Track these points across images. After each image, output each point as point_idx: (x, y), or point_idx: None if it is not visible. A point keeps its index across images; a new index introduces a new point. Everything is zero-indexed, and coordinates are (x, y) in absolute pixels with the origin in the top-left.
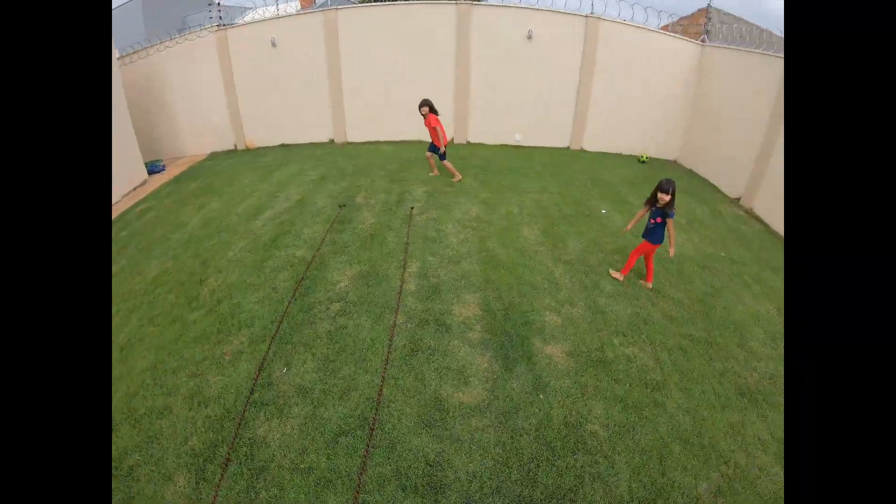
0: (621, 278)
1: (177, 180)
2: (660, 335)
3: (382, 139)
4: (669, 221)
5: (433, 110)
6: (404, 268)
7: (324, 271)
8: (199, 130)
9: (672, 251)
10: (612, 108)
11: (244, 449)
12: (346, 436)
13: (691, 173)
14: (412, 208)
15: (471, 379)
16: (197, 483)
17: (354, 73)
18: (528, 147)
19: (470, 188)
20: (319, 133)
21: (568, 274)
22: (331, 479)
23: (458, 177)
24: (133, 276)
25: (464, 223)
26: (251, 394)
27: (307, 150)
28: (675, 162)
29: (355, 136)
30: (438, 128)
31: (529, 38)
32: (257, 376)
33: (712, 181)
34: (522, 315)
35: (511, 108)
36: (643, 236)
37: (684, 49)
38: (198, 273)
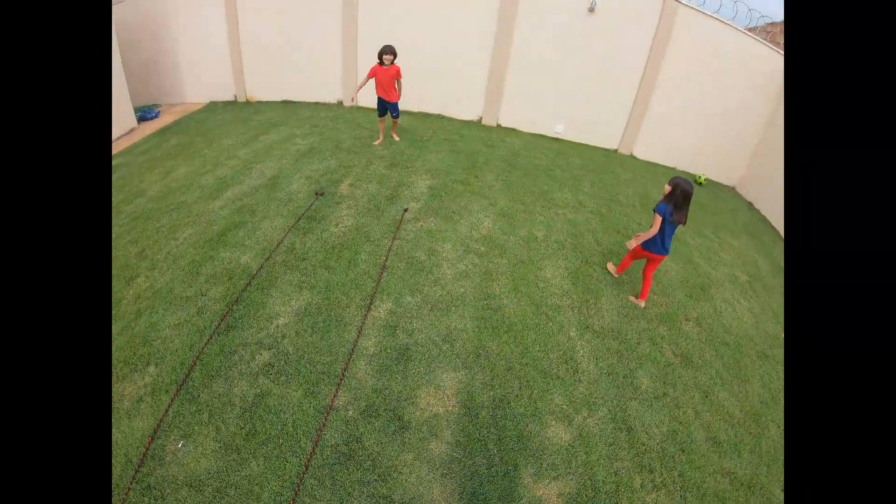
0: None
1: (161, 132)
2: (697, 472)
3: (401, 108)
4: (657, 219)
5: (395, 57)
6: (368, 309)
7: (265, 294)
8: (200, 77)
9: (629, 243)
10: (675, 113)
11: None
12: None
13: (751, 207)
14: (405, 210)
15: None
16: None
17: (375, 28)
18: (569, 142)
19: (489, 189)
20: (327, 93)
21: (595, 353)
22: None
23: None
24: None
25: (468, 245)
26: (136, 471)
27: (309, 110)
28: (733, 189)
29: (368, 100)
30: (401, 80)
31: (592, 10)
32: (149, 444)
33: (774, 223)
34: (516, 421)
35: (556, 92)
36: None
37: (769, 58)
38: (131, 267)
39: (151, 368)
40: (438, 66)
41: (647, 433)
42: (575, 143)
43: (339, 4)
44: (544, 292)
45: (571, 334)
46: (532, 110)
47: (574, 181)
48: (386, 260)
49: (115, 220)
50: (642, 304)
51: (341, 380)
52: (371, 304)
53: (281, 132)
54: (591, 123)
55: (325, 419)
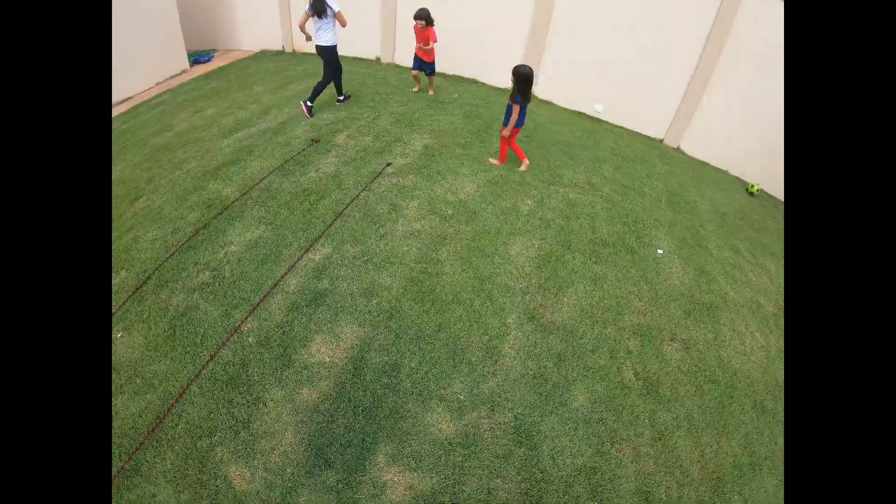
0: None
1: (206, 76)
2: None
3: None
4: (515, 106)
5: (430, 21)
6: (305, 251)
7: (228, 224)
8: (253, 27)
9: (505, 132)
10: (734, 109)
11: None
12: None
13: None
14: (387, 165)
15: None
16: None
17: None
18: (608, 124)
19: (489, 156)
20: (367, 49)
21: (528, 349)
22: None
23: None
24: None
25: (436, 205)
26: None
27: (347, 65)
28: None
29: (402, 58)
30: (432, 44)
31: None
32: None
33: None
34: (398, 395)
35: (599, 69)
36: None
37: None
38: (140, 188)
39: (123, 273)
40: (476, 29)
41: (554, 459)
42: (614, 125)
43: None
44: (498, 269)
45: (508, 321)
46: (571, 85)
47: (595, 163)
48: (345, 209)
49: (140, 151)
50: (497, 163)
51: (254, 309)
52: (310, 247)
53: (309, 83)
54: (636, 107)
55: (227, 339)
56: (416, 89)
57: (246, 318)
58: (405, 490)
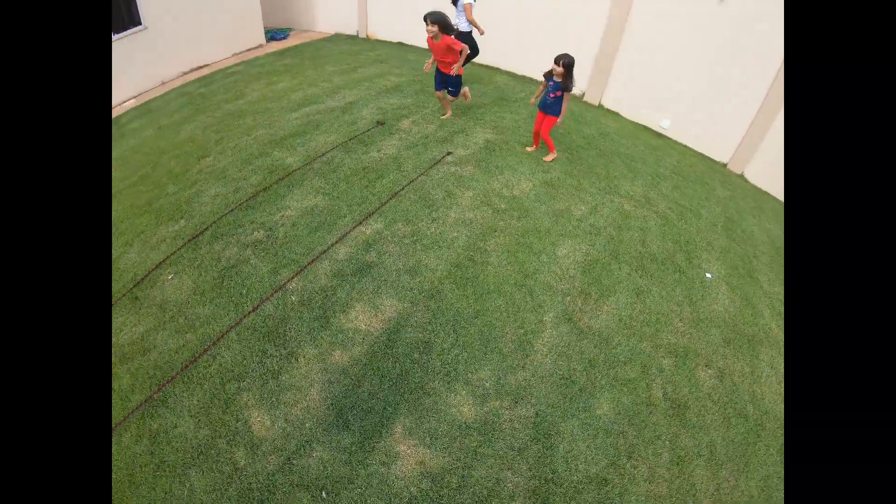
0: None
1: (281, 52)
2: None
3: (504, 67)
4: (566, 95)
5: (446, 28)
6: (358, 224)
7: (288, 189)
8: (330, 10)
9: (559, 121)
10: None
11: None
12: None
13: None
14: (448, 154)
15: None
16: None
17: None
18: (672, 141)
19: (546, 160)
20: None
21: (561, 349)
22: None
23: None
24: (169, 135)
25: (490, 198)
26: (137, 284)
27: (417, 55)
28: None
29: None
30: (456, 48)
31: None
32: (151, 271)
33: None
34: (426, 372)
35: (667, 84)
36: (545, 110)
37: None
38: (208, 148)
39: (182, 222)
40: (546, 30)
41: (568, 462)
42: (678, 143)
43: None
44: (543, 267)
45: (545, 319)
46: (639, 98)
47: (654, 178)
48: (401, 190)
49: (212, 114)
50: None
51: (301, 270)
52: (364, 220)
53: (380, 68)
54: (702, 128)
55: (271, 294)
56: (445, 115)
57: (292, 278)
58: (415, 464)
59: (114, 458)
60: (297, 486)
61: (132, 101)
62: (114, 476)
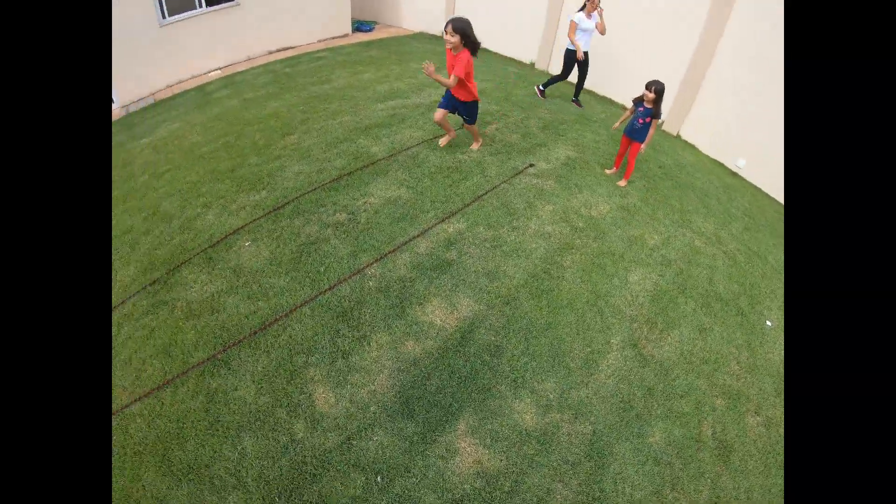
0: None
1: (367, 44)
2: None
3: (586, 86)
4: (654, 121)
5: (467, 40)
6: (441, 221)
7: (372, 178)
8: (416, 8)
9: (643, 147)
10: None
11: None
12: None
13: None
14: (531, 165)
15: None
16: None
17: None
18: (746, 182)
19: (620, 184)
20: (522, 52)
21: (623, 374)
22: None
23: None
24: (254, 108)
25: (569, 215)
26: (213, 245)
27: (500, 63)
28: None
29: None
30: (465, 68)
31: None
32: (227, 236)
33: None
34: (494, 374)
35: (748, 121)
36: (631, 136)
37: None
38: (293, 126)
39: (264, 193)
40: (632, 53)
41: (616, 484)
42: (752, 184)
43: None
44: (614, 290)
45: (612, 341)
46: (717, 133)
47: (726, 217)
48: (485, 194)
49: (298, 94)
50: (624, 184)
51: (382, 257)
52: (446, 219)
53: None
54: (776, 173)
55: (349, 276)
56: (443, 141)
57: (372, 264)
58: (473, 462)
59: (166, 409)
60: (352, 466)
61: (218, 71)
62: (162, 428)
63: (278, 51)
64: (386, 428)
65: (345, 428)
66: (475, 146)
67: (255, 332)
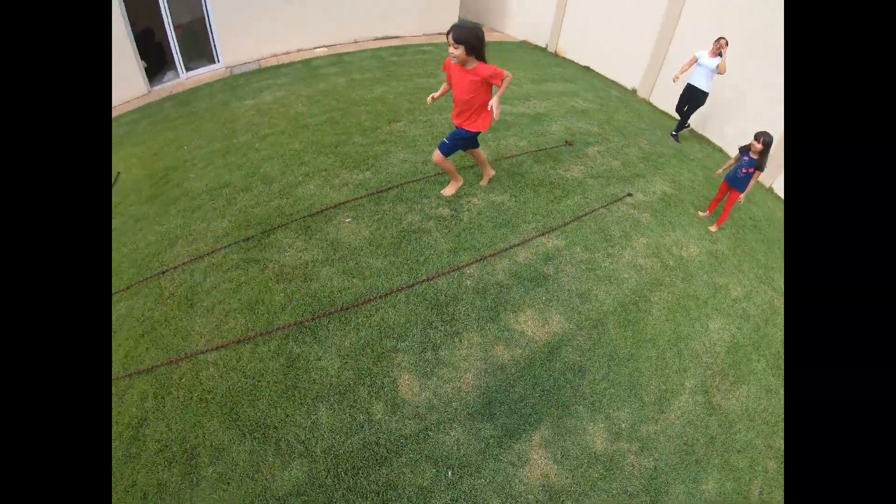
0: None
1: None
2: None
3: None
4: (757, 173)
5: (473, 50)
6: (541, 234)
7: (476, 179)
8: (522, 18)
9: (742, 197)
10: None
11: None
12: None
13: None
14: (629, 195)
15: None
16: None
17: (704, 11)
18: None
19: (712, 229)
20: (626, 76)
21: (690, 419)
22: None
23: (486, 173)
24: (360, 90)
25: (661, 252)
26: (313, 215)
27: (603, 83)
28: None
29: (660, 100)
30: (494, 80)
31: None
32: (327, 209)
33: None
34: (574, 394)
35: None
36: (732, 184)
37: None
38: (399, 114)
39: (368, 174)
40: (736, 99)
41: None
42: None
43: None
44: (695, 334)
45: (686, 383)
46: None
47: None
48: (584, 215)
49: (404, 84)
50: (714, 230)
51: (481, 259)
52: (546, 233)
53: (568, 87)
54: None
55: (448, 272)
56: (447, 191)
57: (471, 263)
58: (540, 475)
59: (242, 364)
60: (425, 456)
61: (324, 49)
62: (235, 381)
63: (384, 38)
64: (465, 426)
65: (424, 418)
66: (448, 190)
67: (347, 308)
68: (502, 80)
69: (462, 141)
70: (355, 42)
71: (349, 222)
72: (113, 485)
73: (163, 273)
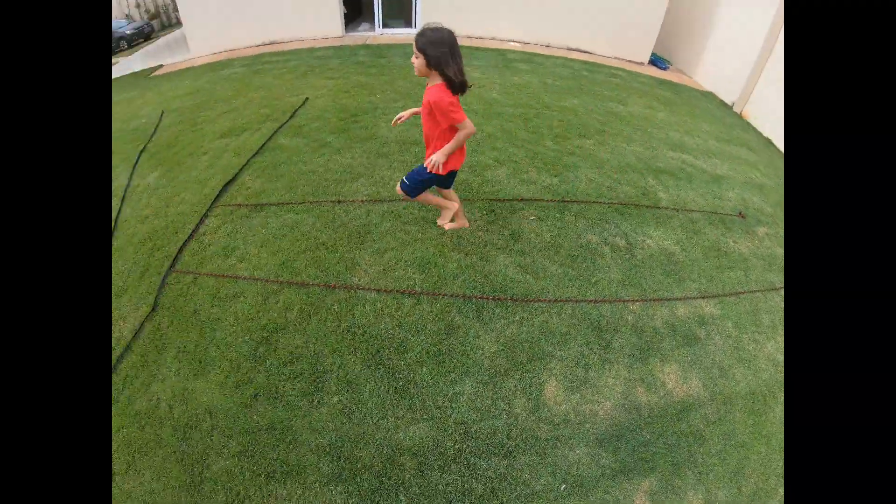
0: None
1: (660, 82)
2: None
3: None
4: None
5: (437, 65)
6: (702, 297)
7: (652, 219)
8: (714, 65)
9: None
10: None
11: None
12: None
13: None
14: (782, 287)
15: None
16: None
17: None
18: None
19: None
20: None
21: None
22: None
23: (457, 223)
24: (552, 95)
25: None
26: (500, 200)
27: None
28: None
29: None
30: (439, 115)
31: None
32: (516, 200)
33: None
34: (690, 461)
35: None
36: None
37: None
38: (589, 131)
39: (555, 179)
40: None
41: None
42: None
43: None
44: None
45: (780, 492)
46: None
47: None
48: (742, 293)
49: (594, 103)
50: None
51: (644, 300)
52: (706, 297)
53: (749, 156)
54: None
55: (613, 300)
56: (450, 223)
57: (636, 301)
58: None
59: (400, 314)
60: (547, 463)
61: (517, 44)
62: (383, 328)
63: (576, 51)
64: (589, 449)
65: (558, 428)
66: (442, 220)
67: (517, 300)
68: (452, 125)
69: (421, 182)
70: (548, 46)
71: (532, 220)
72: (226, 376)
73: (339, 202)
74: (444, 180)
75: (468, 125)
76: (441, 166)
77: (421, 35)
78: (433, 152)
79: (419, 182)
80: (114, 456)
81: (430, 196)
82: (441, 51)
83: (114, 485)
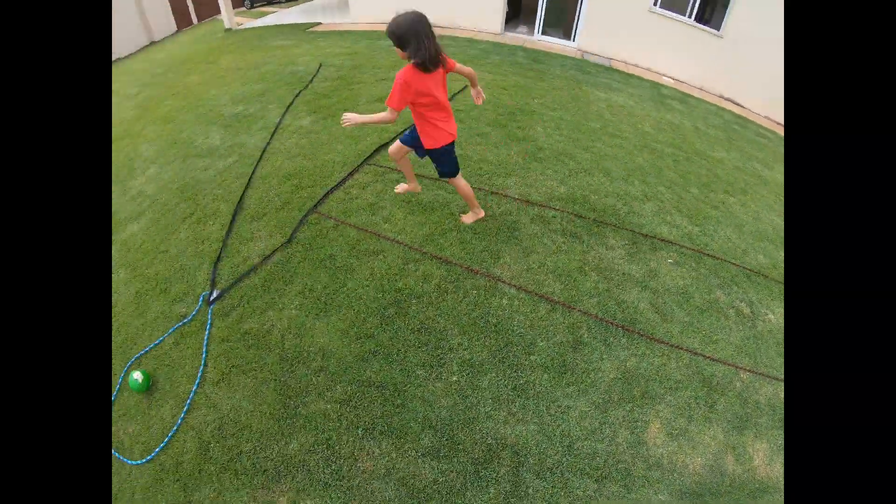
0: None
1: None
2: None
3: None
4: None
5: (401, 47)
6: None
7: (772, 297)
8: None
9: None
10: None
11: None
12: None
13: None
14: None
15: None
16: None
17: None
18: None
19: None
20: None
21: None
22: None
23: (409, 185)
24: (706, 144)
25: None
26: (640, 234)
27: None
28: None
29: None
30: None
31: None
32: (656, 237)
33: None
34: None
35: None
36: None
37: None
38: (734, 189)
39: (696, 228)
40: None
41: None
42: None
43: None
44: None
45: None
46: None
47: None
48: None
49: (744, 161)
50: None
51: (754, 372)
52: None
53: None
54: None
55: (727, 362)
56: (400, 188)
57: (747, 370)
58: None
59: (536, 317)
60: (630, 499)
61: (671, 80)
62: (518, 327)
63: (728, 100)
64: (672, 498)
65: (651, 468)
66: (467, 219)
67: (643, 335)
68: (426, 108)
69: (431, 155)
70: (701, 89)
71: (671, 263)
72: (350, 325)
73: (493, 193)
74: (442, 165)
75: (388, 113)
76: (349, 122)
77: (388, 25)
78: (424, 136)
79: (447, 161)
80: (210, 365)
81: (408, 164)
82: (399, 33)
83: (200, 390)
